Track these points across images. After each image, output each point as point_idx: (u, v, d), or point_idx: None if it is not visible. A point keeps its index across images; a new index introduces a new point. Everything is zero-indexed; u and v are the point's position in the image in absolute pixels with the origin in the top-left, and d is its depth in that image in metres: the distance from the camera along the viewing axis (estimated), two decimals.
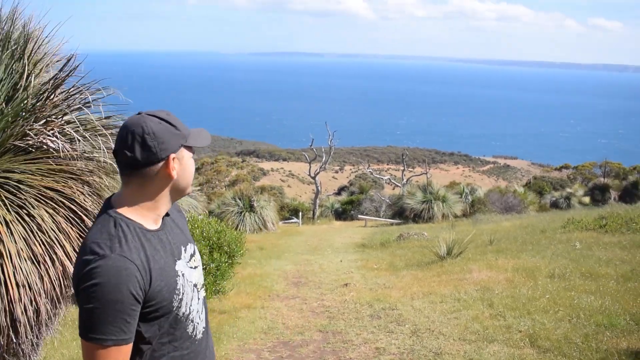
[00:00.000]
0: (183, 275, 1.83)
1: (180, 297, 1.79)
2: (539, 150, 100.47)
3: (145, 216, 1.81)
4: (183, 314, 1.82)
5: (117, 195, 1.84)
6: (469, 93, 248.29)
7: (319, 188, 30.37)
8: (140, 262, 1.69)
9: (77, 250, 4.02)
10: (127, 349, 1.67)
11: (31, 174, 3.88)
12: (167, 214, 1.92)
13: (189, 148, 1.85)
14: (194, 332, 1.89)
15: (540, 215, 19.99)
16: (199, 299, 1.92)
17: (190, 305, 1.85)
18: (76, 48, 4.26)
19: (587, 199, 30.17)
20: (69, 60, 4.02)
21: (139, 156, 1.73)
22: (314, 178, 31.01)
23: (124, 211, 1.79)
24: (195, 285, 1.89)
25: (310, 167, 32.91)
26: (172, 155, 1.79)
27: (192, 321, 1.88)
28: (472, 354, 5.03)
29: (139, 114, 1.79)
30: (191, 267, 1.90)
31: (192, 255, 1.94)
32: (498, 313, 6.19)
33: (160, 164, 1.77)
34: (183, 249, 1.90)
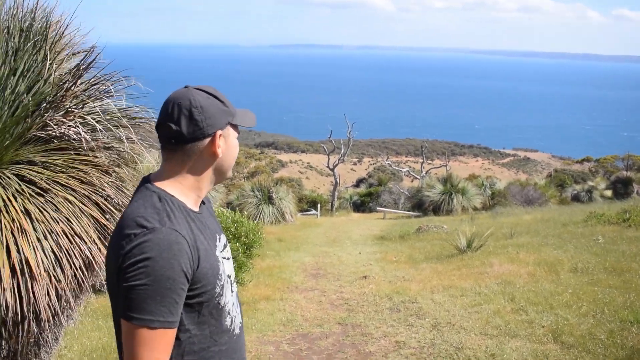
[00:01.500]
0: (222, 262, 1.74)
1: (222, 283, 1.70)
2: (560, 143, 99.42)
3: (187, 195, 1.72)
4: (224, 303, 1.73)
5: (158, 172, 1.75)
6: (488, 85, 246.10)
7: (338, 180, 30.34)
8: (190, 239, 1.59)
9: (101, 240, 4.04)
10: (172, 334, 1.56)
11: (52, 164, 3.87)
12: (202, 203, 1.84)
13: (235, 127, 1.77)
14: (232, 326, 1.79)
15: (562, 208, 19.76)
16: (232, 291, 1.81)
17: (229, 296, 1.77)
18: (96, 40, 4.25)
19: (609, 193, 29.73)
20: (90, 51, 4.01)
21: (184, 130, 1.65)
22: (332, 170, 30.99)
23: (166, 187, 1.69)
24: (229, 277, 1.79)
25: (328, 159, 32.88)
26: (219, 132, 1.70)
27: (229, 313, 1.77)
28: (494, 349, 4.97)
29: (185, 87, 1.71)
30: (225, 258, 1.79)
31: (225, 246, 1.84)
32: (520, 307, 6.11)
33: (207, 140, 1.68)
34: (218, 237, 1.81)
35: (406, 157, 71.18)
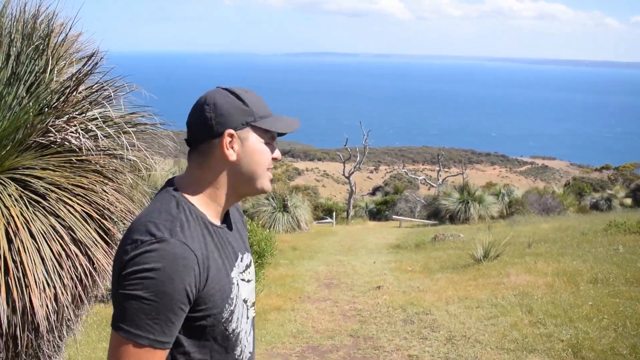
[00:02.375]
0: (237, 285, 1.57)
1: (232, 308, 1.54)
2: (578, 151, 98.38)
3: (208, 205, 1.57)
4: (233, 330, 1.56)
5: (181, 175, 1.63)
6: (505, 93, 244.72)
7: (353, 188, 30.19)
8: (200, 255, 1.44)
9: (104, 248, 3.93)
10: (162, 356, 1.41)
11: (53, 171, 3.77)
12: (227, 214, 1.67)
13: (264, 132, 1.58)
14: (241, 356, 1.62)
15: (581, 217, 19.41)
16: (248, 317, 1.64)
17: (240, 323, 1.59)
18: (98, 44, 4.15)
19: (629, 201, 29.20)
20: (91, 56, 3.90)
21: (194, 128, 1.55)
22: (348, 178, 30.84)
23: (186, 193, 1.56)
24: (245, 302, 1.62)
25: (344, 167, 32.75)
26: (229, 131, 1.54)
27: (240, 342, 1.61)
28: None
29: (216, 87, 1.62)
30: (244, 280, 1.63)
31: (247, 267, 1.67)
32: (538, 320, 5.90)
33: (217, 140, 1.54)
34: (240, 256, 1.64)
35: (423, 165, 70.79)
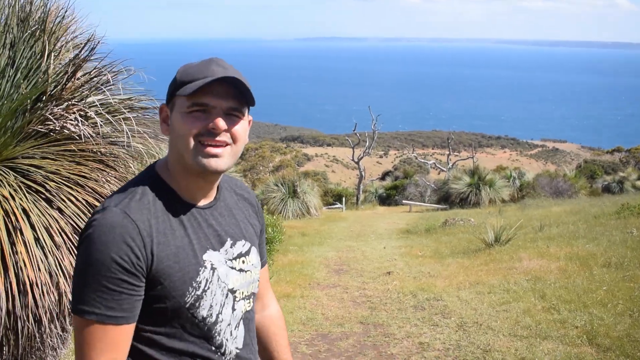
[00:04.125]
0: (213, 269, 1.47)
1: (198, 293, 1.43)
2: (589, 133, 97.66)
3: (178, 183, 1.49)
4: (204, 318, 1.45)
5: None
6: (515, 75, 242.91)
7: (363, 173, 30.09)
8: (144, 226, 1.37)
9: None
10: (116, 333, 1.34)
11: (53, 160, 3.68)
12: (217, 199, 1.57)
13: (188, 99, 1.43)
14: (223, 350, 1.51)
15: (592, 200, 19.21)
16: (234, 309, 1.53)
17: (218, 313, 1.48)
18: (95, 29, 4.04)
19: None
20: (88, 41, 3.79)
21: None
22: (357, 163, 30.75)
23: (160, 170, 1.52)
24: (232, 291, 1.52)
25: (353, 152, 32.63)
26: (161, 105, 1.54)
27: (219, 334, 1.50)
28: (524, 351, 4.66)
29: None
30: (232, 268, 1.53)
31: (240, 255, 1.57)
32: (551, 306, 5.78)
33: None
34: (229, 242, 1.55)
35: (432, 149, 70.51)
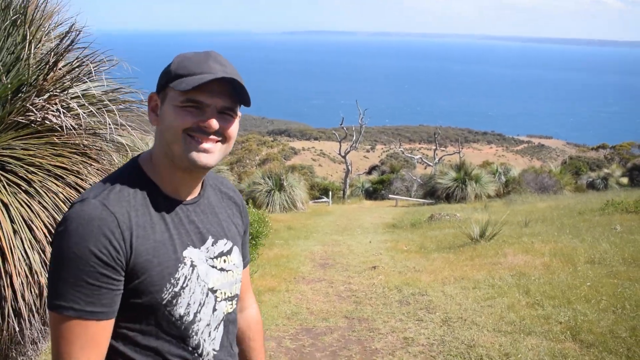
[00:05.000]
0: (193, 267, 1.44)
1: (176, 290, 1.39)
2: (575, 130, 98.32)
3: (162, 177, 1.46)
4: (180, 317, 1.41)
5: None
6: (503, 72, 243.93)
7: (350, 167, 30.09)
8: (124, 219, 1.34)
9: None
10: (96, 329, 1.31)
11: (34, 152, 3.62)
12: (201, 195, 1.54)
13: (181, 94, 1.39)
14: (199, 351, 1.47)
15: (577, 196, 19.37)
16: (215, 309, 1.49)
17: (196, 312, 1.44)
18: (77, 18, 3.97)
19: (625, 180, 29.13)
20: (69, 31, 3.72)
21: None
22: (344, 157, 30.72)
23: (143, 163, 1.48)
24: (212, 291, 1.48)
25: (340, 146, 32.61)
26: (151, 94, 1.48)
27: (196, 335, 1.45)
28: (508, 347, 4.67)
29: None
30: (213, 267, 1.49)
31: (221, 254, 1.53)
32: (535, 302, 5.80)
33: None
34: (211, 240, 1.51)
35: (419, 144, 70.68)
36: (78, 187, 3.72)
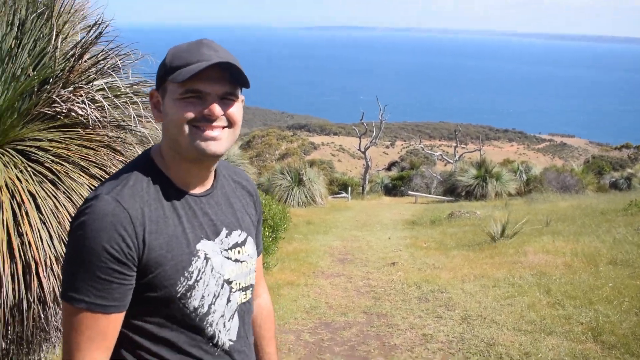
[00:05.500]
0: (207, 259, 1.44)
1: (190, 283, 1.40)
2: (598, 129, 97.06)
3: (174, 170, 1.46)
4: (195, 309, 1.42)
5: None
6: (526, 69, 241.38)
7: (369, 163, 30.00)
8: (137, 215, 1.35)
9: None
10: (107, 322, 1.33)
11: (59, 143, 3.67)
12: (214, 187, 1.54)
13: (179, 86, 1.39)
14: (215, 341, 1.48)
15: (600, 196, 19.10)
16: (229, 300, 1.50)
17: (211, 304, 1.45)
18: (103, 12, 4.00)
19: None
20: (95, 24, 3.76)
21: None
22: (363, 153, 30.63)
23: (155, 156, 1.49)
24: (228, 282, 1.49)
25: (360, 141, 32.53)
26: (152, 91, 1.49)
27: (211, 326, 1.46)
28: (528, 346, 4.64)
29: None
30: (228, 258, 1.50)
31: (235, 245, 1.54)
32: (556, 301, 5.75)
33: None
34: (225, 232, 1.52)
35: (439, 140, 70.26)
36: (102, 179, 3.75)
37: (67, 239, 1.36)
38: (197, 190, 1.50)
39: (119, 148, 3.95)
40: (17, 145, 3.59)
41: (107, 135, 3.86)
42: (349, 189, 26.20)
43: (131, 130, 3.95)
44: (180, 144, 1.41)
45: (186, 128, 1.40)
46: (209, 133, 1.40)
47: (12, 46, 3.61)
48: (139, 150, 4.11)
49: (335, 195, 25.05)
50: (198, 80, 1.38)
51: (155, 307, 1.40)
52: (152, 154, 1.50)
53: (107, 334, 1.34)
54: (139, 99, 3.86)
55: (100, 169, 3.78)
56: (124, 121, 3.97)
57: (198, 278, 1.42)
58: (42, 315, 3.62)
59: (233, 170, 1.71)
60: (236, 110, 1.45)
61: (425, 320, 5.60)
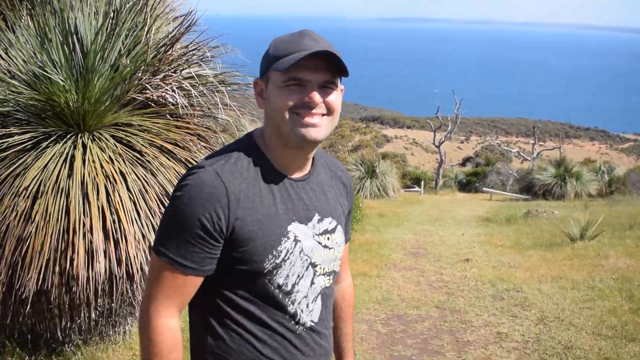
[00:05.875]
0: (296, 241, 1.49)
1: (277, 261, 1.46)
2: None
3: (274, 154, 1.52)
4: (279, 286, 1.48)
5: None
6: (610, 64, 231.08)
7: (443, 158, 29.61)
8: (233, 190, 1.42)
9: None
10: (183, 279, 1.42)
11: (149, 128, 3.83)
12: (311, 173, 1.59)
13: (282, 74, 1.45)
14: (297, 319, 1.53)
15: None
16: (313, 282, 1.54)
17: (294, 283, 1.50)
18: (196, 4, 4.13)
19: None
20: (187, 15, 3.90)
21: None
22: (438, 147, 30.26)
23: (257, 139, 1.56)
24: (313, 265, 1.54)
25: (434, 135, 32.13)
26: (255, 80, 1.56)
27: (293, 304, 1.51)
28: (609, 351, 4.48)
29: None
30: (318, 242, 1.55)
31: (326, 232, 1.58)
32: (639, 308, 5.53)
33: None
34: (317, 217, 1.56)
35: (516, 137, 68.48)
36: (188, 164, 3.90)
37: (169, 199, 1.48)
38: (295, 175, 1.56)
39: (204, 135, 4.08)
40: (112, 129, 3.77)
41: (194, 122, 4.00)
42: (422, 183, 25.96)
43: (215, 117, 4.07)
44: (281, 130, 1.47)
45: (287, 114, 1.45)
46: (308, 120, 1.45)
47: (108, 34, 3.79)
48: (222, 137, 4.24)
49: (407, 189, 24.86)
50: (299, 68, 1.43)
51: (244, 281, 1.47)
52: (255, 137, 1.56)
53: (183, 292, 1.44)
54: (224, 87, 3.97)
55: (186, 154, 3.92)
56: (209, 109, 4.10)
57: (285, 258, 1.48)
58: (130, 290, 3.80)
59: (330, 160, 1.76)
60: (335, 98, 1.50)
61: (500, 318, 5.50)
